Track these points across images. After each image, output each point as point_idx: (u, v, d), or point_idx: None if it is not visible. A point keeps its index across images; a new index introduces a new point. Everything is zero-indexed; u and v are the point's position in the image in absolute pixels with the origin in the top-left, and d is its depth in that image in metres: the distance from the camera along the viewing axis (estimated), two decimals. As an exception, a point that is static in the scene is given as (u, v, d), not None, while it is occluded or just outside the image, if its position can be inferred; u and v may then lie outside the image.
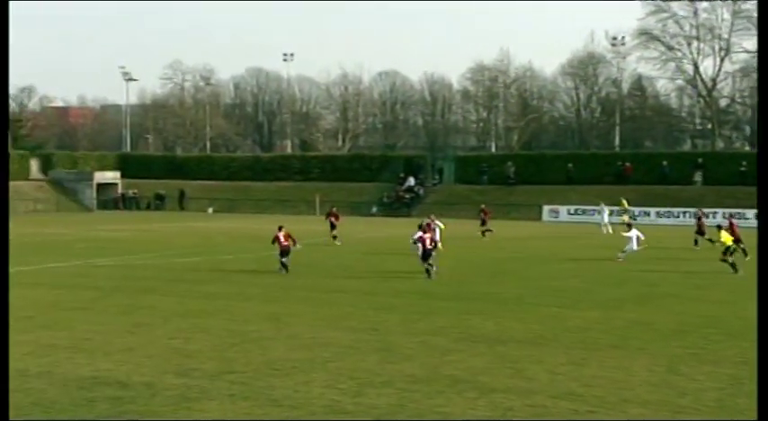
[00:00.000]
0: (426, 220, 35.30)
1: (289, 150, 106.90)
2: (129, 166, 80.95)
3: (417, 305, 23.63)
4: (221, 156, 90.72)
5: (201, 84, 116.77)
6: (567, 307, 23.19)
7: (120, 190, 77.13)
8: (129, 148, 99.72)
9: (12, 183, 72.82)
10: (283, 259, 30.13)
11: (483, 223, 46.32)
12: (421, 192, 71.61)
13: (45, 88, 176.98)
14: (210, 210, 71.48)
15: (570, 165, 68.80)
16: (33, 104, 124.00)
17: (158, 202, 74.55)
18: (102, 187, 76.14)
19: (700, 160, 65.72)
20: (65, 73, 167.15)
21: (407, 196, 71.18)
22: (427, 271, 29.01)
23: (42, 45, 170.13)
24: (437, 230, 35.58)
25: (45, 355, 17.19)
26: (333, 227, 43.08)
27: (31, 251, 37.62)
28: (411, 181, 72.58)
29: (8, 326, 16.29)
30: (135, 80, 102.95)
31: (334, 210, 44.87)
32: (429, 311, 22.55)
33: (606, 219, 50.62)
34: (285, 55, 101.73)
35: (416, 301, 24.23)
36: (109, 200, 75.46)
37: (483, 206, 48.69)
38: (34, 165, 78.44)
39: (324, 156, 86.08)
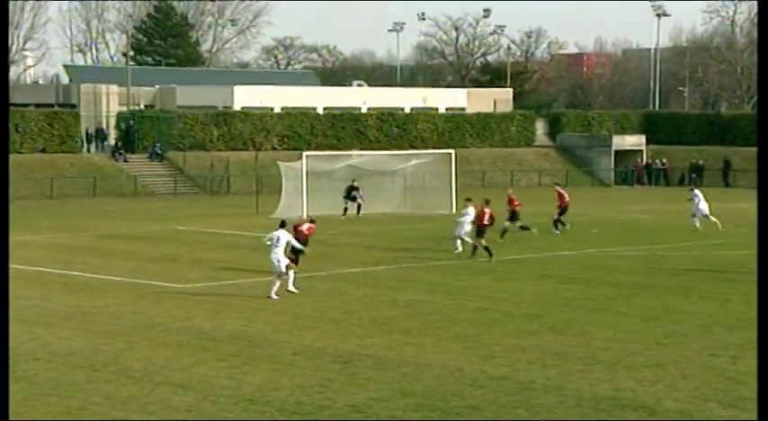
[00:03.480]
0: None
1: None
2: (655, 129, 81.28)
3: None
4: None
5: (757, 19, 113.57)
6: None
7: (644, 159, 77.90)
8: (656, 105, 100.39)
9: (512, 151, 77.64)
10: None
11: None
12: None
13: (556, 31, 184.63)
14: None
15: None
16: (541, 52, 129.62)
17: (694, 176, 74.09)
18: (620, 155, 77.41)
19: None
20: (580, 11, 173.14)
21: None
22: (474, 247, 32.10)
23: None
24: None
25: (554, 365, 18.05)
26: None
27: (530, 236, 39.60)
28: None
29: (8, 326, 17.53)
30: (668, 16, 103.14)
31: None
32: None
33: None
34: None
35: None
36: (629, 171, 76.62)
37: None
38: (540, 127, 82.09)
39: None
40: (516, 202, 37.99)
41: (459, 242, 33.54)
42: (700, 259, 32.36)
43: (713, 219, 40.07)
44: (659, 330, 21.13)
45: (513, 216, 37.48)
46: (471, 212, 33.09)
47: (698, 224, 40.02)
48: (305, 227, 27.72)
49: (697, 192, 41.59)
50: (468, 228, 33.18)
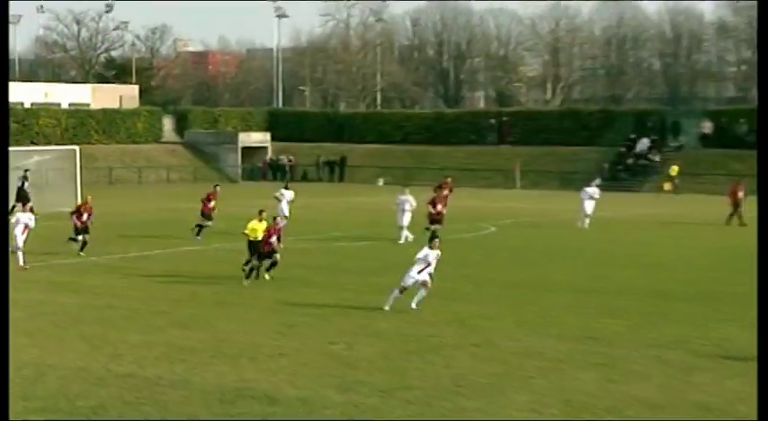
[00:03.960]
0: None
1: (481, 105, 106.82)
2: (279, 126, 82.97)
3: (650, 308, 23.25)
4: (394, 112, 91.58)
5: (371, 21, 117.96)
6: None
7: (269, 155, 79.08)
8: (280, 104, 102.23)
9: (140, 147, 76.53)
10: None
11: (735, 206, 43.89)
12: (657, 158, 69.92)
13: (181, 29, 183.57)
14: (381, 181, 72.30)
15: None
16: (167, 49, 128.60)
17: (328, 171, 76.27)
18: (247, 152, 78.28)
19: None
20: (204, 9, 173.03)
21: (638, 164, 69.72)
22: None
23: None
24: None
25: (180, 360, 17.97)
26: None
27: (162, 231, 39.36)
28: (644, 144, 70.98)
29: (8, 326, 16.86)
30: (287, 17, 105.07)
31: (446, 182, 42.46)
32: (665, 316, 22.10)
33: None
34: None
35: (649, 303, 23.83)
36: (256, 168, 77.62)
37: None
38: (167, 124, 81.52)
39: (527, 113, 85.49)
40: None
41: (404, 232, 35.59)
42: (318, 252, 33.28)
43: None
44: (281, 321, 21.51)
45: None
46: (411, 200, 35.83)
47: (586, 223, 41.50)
48: None
49: (588, 189, 42.61)
50: (409, 217, 35.69)
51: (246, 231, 27.25)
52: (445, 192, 39.83)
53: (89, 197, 33.94)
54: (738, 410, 14.88)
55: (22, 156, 49.57)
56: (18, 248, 28.76)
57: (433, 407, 15.00)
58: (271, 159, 78.40)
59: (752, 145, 67.12)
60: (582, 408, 14.98)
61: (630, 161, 70.19)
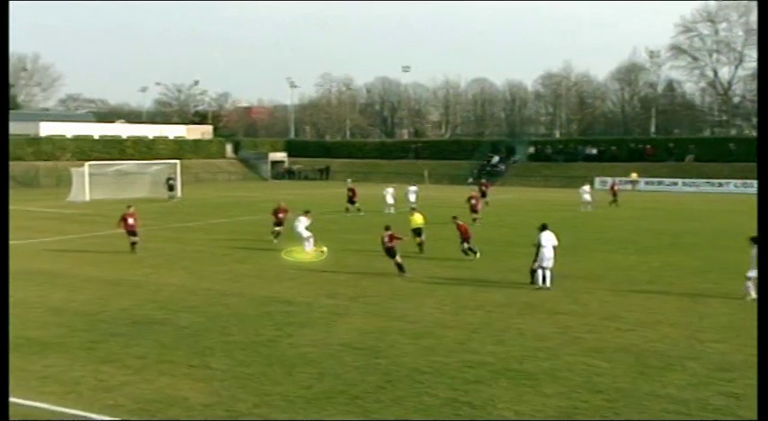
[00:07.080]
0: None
1: (406, 137, 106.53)
2: (293, 148, 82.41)
3: (501, 251, 23.33)
4: (357, 141, 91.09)
5: (344, 89, 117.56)
6: (613, 252, 22.46)
7: (287, 165, 78.65)
8: (293, 136, 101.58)
9: (213, 161, 75.56)
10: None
11: (614, 196, 40.56)
12: (503, 167, 70.24)
13: (236, 93, 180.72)
14: (350, 180, 71.81)
15: (614, 147, 66.98)
16: (228, 105, 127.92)
17: (319, 174, 75.72)
18: (274, 163, 77.86)
19: (731, 145, 61.25)
20: (250, 82, 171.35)
21: (494, 170, 70.01)
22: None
23: (235, 62, 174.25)
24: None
25: (238, 281, 17.86)
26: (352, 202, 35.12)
27: (227, 208, 38.90)
28: (496, 159, 71.27)
29: (8, 326, 11.40)
30: (297, 87, 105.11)
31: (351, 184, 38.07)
32: (510, 255, 22.28)
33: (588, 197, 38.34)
34: (404, 67, 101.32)
35: (500, 248, 23.91)
36: (279, 172, 77.16)
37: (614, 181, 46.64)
38: (228, 148, 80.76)
39: (431, 141, 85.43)
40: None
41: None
42: (318, 219, 32.76)
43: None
44: (294, 261, 21.08)
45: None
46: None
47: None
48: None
49: (584, 188, 38.42)
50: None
51: (412, 222, 22.82)
52: (484, 189, 38.51)
53: (283, 202, 26.68)
54: (548, 306, 14.93)
55: (147, 167, 49.26)
56: (306, 238, 21.79)
57: (380, 307, 15.05)
58: (287, 168, 78.00)
59: (555, 159, 68.28)
60: (462, 306, 15.09)
61: (489, 169, 70.43)
